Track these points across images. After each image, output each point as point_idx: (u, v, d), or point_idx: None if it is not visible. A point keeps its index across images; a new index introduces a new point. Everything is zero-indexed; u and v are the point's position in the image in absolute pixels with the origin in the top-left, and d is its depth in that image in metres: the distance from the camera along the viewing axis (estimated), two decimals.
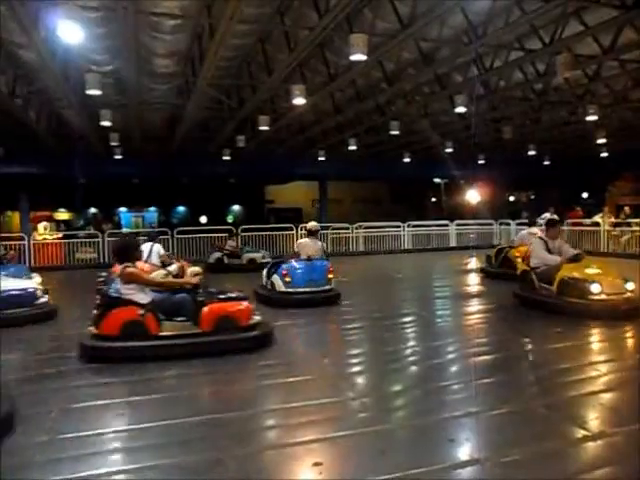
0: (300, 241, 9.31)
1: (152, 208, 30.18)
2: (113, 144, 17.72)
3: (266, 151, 21.51)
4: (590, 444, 3.32)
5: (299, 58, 10.49)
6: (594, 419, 3.75)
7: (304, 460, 3.16)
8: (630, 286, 6.76)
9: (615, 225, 15.35)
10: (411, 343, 6.21)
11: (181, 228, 16.74)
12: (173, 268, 7.64)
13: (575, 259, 7.24)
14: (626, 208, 16.22)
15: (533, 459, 3.08)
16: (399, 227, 18.32)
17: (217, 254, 13.71)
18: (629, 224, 15.17)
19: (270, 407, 4.12)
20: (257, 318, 5.66)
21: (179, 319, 5.29)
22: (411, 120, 17.03)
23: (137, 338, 5.04)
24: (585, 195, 27.00)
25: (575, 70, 11.16)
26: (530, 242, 10.38)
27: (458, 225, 19.33)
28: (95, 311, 5.29)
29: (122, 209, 29.59)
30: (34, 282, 7.81)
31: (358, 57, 8.67)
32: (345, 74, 11.61)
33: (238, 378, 4.71)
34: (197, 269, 7.21)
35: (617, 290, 6.69)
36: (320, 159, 21.95)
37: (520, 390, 4.36)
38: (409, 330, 6.87)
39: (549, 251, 7.47)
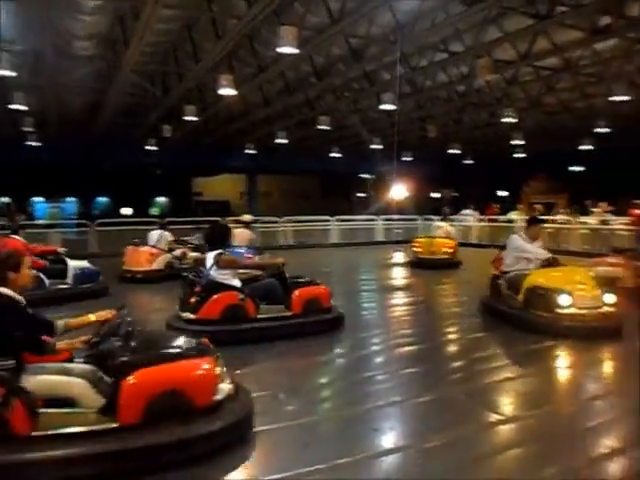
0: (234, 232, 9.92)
1: (71, 198, 28.59)
2: (27, 128, 16.62)
3: (193, 142, 21.03)
4: (503, 427, 3.51)
5: (227, 47, 10.30)
6: (508, 404, 3.98)
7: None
8: (610, 299, 5.65)
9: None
10: (337, 336, 6.27)
11: (102, 220, 15.97)
12: (178, 253, 9.41)
13: (548, 264, 6.19)
14: (538, 206, 17.25)
15: (452, 444, 3.21)
16: (328, 221, 18.49)
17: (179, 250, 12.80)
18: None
19: None
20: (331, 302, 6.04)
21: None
22: (341, 115, 17.22)
23: (237, 321, 5.22)
24: (503, 193, 28.44)
25: (494, 74, 11.70)
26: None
27: (385, 220, 19.78)
28: (194, 297, 5.27)
29: (38, 199, 27.81)
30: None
31: (287, 50, 8.63)
32: (274, 66, 11.54)
33: None
34: (199, 255, 7.86)
35: (592, 303, 5.59)
36: (249, 152, 21.73)
37: (442, 378, 4.53)
38: None
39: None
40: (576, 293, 5.55)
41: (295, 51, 8.74)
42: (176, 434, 2.80)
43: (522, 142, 19.18)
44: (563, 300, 5.51)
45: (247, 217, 9.97)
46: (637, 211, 13.13)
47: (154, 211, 28.82)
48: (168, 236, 9.85)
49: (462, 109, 16.90)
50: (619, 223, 14.14)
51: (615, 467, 3.00)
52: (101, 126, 17.70)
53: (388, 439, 3.38)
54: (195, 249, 12.91)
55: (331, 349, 5.48)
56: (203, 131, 19.34)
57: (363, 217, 20.32)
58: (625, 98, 12.73)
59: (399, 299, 8.63)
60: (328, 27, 9.39)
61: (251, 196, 26.89)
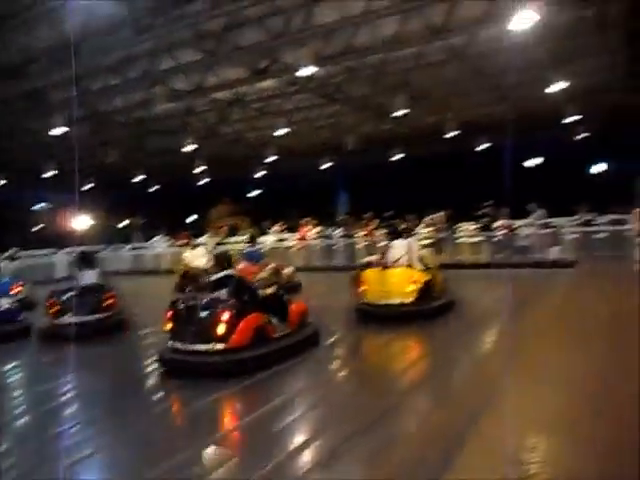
0: None
1: None
2: None
3: None
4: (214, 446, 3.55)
5: None
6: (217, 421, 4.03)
7: None
8: None
9: (218, 244, 17.13)
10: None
11: None
12: None
13: None
14: (224, 229, 18.33)
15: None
16: None
17: None
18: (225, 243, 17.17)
19: None
20: None
21: None
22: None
23: None
24: (192, 219, 29.24)
25: (173, 102, 12.02)
26: None
27: (68, 253, 18.01)
28: None
29: None
30: None
31: None
32: None
33: None
34: None
35: None
36: None
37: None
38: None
39: None
40: None
41: None
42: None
43: (205, 168, 20.15)
44: None
45: None
46: (304, 228, 15.23)
47: None
48: None
49: (143, 135, 16.78)
50: (293, 239, 16.16)
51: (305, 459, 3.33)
52: None
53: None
54: None
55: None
56: None
57: (41, 252, 18.08)
58: (286, 130, 14.71)
59: None
60: None
61: None
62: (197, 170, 20.22)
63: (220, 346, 4.96)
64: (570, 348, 4.67)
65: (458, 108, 15.59)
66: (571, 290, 8.64)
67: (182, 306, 5.38)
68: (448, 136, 16.32)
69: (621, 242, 11.59)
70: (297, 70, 9.50)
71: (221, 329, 4.98)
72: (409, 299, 6.85)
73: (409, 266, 7.17)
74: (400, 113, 13.21)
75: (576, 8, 9.02)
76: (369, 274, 7.32)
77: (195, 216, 28.94)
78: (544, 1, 7.70)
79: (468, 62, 11.60)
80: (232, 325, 5.00)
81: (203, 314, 5.17)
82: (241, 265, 9.57)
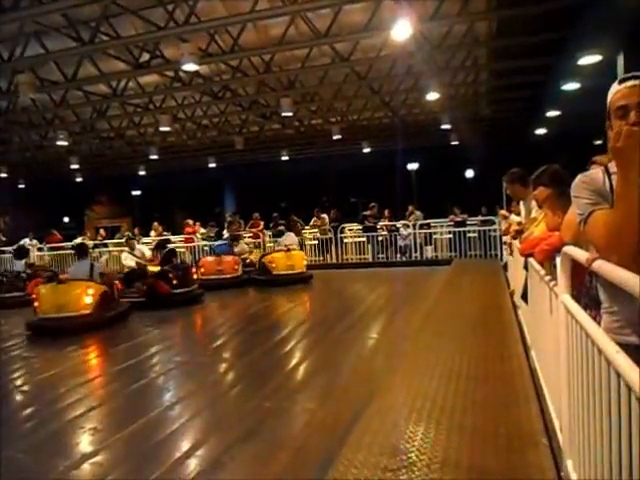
0: None
1: None
2: None
3: None
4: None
5: None
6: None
7: None
8: None
9: (94, 247, 16.06)
10: None
11: None
12: None
13: None
14: (101, 230, 17.23)
15: None
16: None
17: None
18: (105, 245, 16.17)
19: None
20: None
21: None
22: None
23: None
24: (66, 219, 27.18)
25: (39, 93, 11.03)
26: None
27: None
28: None
29: None
30: None
31: None
32: None
33: None
34: None
35: None
36: None
37: None
38: None
39: None
40: None
41: None
42: None
43: (79, 166, 18.78)
44: None
45: None
46: (189, 228, 14.78)
47: None
48: None
49: (6, 128, 15.23)
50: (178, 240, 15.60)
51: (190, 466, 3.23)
52: None
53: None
54: None
55: None
56: None
57: None
58: (168, 129, 14.10)
59: None
60: None
61: None
62: (72, 167, 18.75)
63: (196, 285, 9.87)
64: (447, 340, 4.95)
65: (342, 112, 16.03)
66: (449, 281, 9.25)
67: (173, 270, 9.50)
68: (335, 138, 16.70)
69: (490, 241, 12.65)
70: (180, 66, 9.13)
71: (195, 276, 10.17)
72: (304, 269, 11.41)
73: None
74: (286, 114, 13.28)
75: (449, 24, 9.64)
76: (276, 255, 11.42)
77: (67, 218, 26.93)
78: (418, 15, 8.12)
79: (352, 67, 11.95)
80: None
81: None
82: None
